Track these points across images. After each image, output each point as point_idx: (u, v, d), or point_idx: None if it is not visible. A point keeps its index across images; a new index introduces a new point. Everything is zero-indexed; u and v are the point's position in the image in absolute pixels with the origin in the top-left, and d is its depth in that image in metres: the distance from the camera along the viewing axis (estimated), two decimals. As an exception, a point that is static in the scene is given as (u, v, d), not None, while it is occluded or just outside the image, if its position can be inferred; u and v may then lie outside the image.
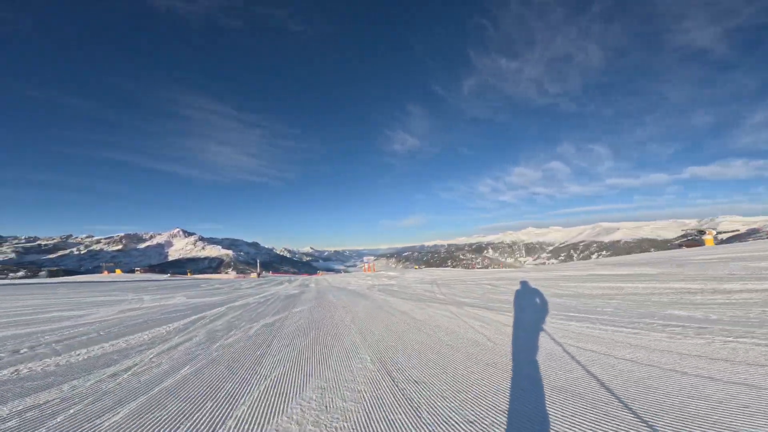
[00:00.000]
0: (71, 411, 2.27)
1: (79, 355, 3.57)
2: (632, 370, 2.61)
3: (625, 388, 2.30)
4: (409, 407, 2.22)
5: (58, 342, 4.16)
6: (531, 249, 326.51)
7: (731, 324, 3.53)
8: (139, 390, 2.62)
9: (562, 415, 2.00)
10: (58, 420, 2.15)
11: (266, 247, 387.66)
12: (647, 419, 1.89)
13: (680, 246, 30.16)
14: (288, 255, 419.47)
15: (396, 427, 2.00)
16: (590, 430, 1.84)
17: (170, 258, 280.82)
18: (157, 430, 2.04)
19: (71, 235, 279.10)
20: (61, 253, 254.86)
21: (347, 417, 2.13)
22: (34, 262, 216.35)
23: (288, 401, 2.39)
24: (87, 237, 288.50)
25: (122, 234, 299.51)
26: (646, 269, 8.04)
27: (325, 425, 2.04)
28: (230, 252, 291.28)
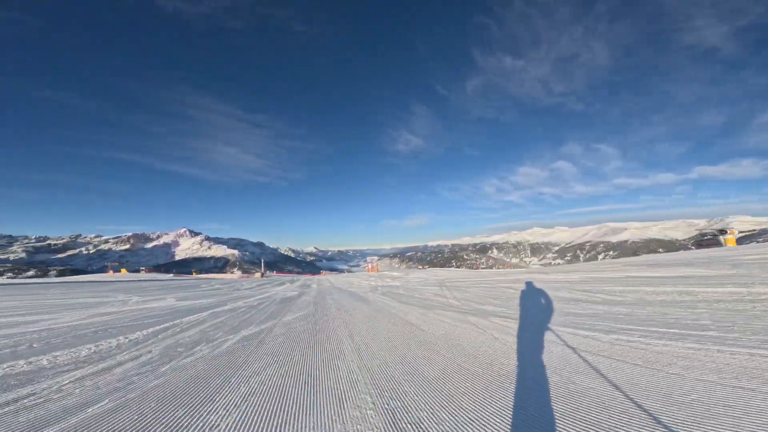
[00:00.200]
0: None
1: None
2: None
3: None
4: None
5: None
6: (536, 249, 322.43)
7: None
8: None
9: None
10: None
11: (271, 247, 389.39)
12: None
13: (700, 246, 28.69)
14: (292, 255, 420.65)
15: None
16: None
17: (177, 257, 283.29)
18: None
19: (80, 235, 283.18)
20: (70, 252, 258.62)
21: None
22: (44, 261, 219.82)
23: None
24: (96, 237, 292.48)
25: (130, 234, 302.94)
26: (699, 270, 6.92)
27: None
28: (236, 252, 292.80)
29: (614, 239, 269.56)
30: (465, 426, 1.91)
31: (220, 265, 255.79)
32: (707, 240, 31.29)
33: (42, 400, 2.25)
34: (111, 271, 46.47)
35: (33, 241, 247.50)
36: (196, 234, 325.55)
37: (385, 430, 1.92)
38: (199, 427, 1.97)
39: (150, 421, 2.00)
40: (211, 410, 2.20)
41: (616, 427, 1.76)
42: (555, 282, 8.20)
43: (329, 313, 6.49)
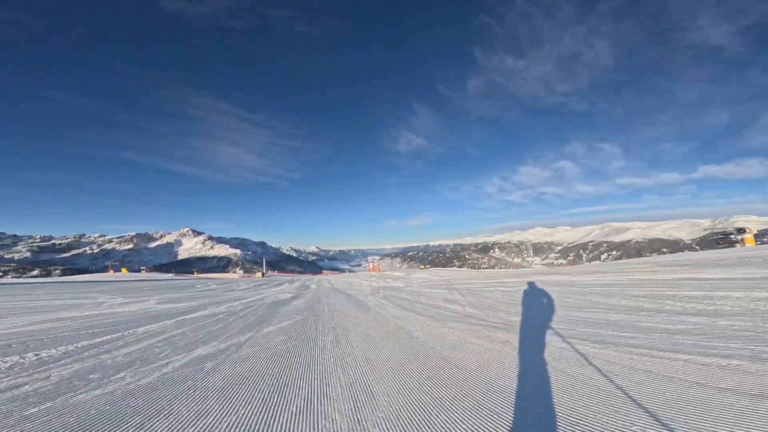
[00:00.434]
0: None
1: None
2: None
3: None
4: None
5: None
6: (539, 249, 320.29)
7: None
8: None
9: None
10: None
11: (273, 246, 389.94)
12: None
13: (717, 244, 27.64)
14: (294, 254, 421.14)
15: None
16: None
17: (180, 257, 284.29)
18: None
19: (84, 235, 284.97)
20: (74, 252, 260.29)
21: None
22: (48, 261, 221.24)
23: None
24: (100, 236, 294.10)
25: (133, 233, 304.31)
26: (743, 272, 6.00)
27: None
28: (238, 251, 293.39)
29: (617, 239, 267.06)
30: None
31: (222, 264, 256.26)
32: (723, 239, 30.20)
33: None
34: (111, 271, 45.99)
35: (38, 240, 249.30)
36: (199, 234, 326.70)
37: None
38: None
39: None
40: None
41: None
42: (588, 285, 7.07)
43: (320, 326, 5.19)
